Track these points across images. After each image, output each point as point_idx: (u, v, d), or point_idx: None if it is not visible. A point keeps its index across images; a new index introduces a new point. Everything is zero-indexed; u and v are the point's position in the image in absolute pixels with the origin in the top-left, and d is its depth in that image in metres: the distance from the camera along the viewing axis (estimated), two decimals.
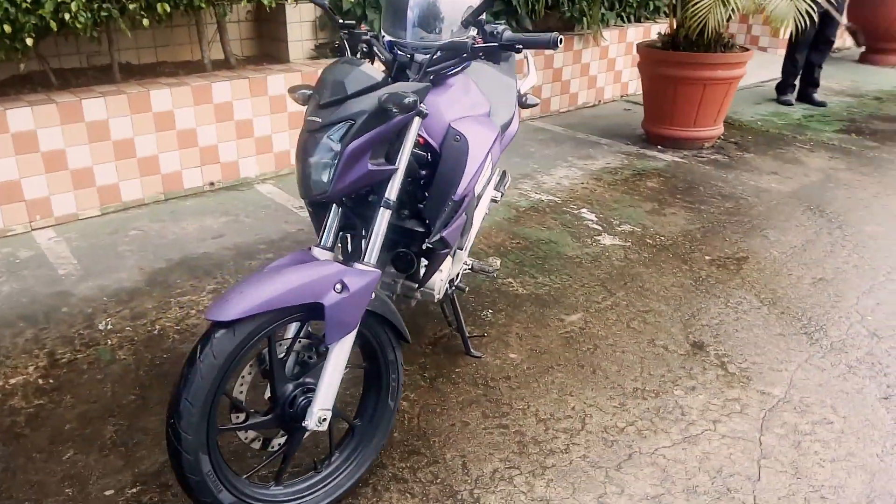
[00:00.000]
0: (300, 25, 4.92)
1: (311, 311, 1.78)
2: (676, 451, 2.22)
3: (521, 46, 1.84)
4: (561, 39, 1.77)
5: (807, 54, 6.17)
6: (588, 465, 2.16)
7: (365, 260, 1.85)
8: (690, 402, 2.45)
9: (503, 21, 5.32)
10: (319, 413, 1.82)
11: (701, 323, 2.93)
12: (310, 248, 1.95)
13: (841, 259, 3.50)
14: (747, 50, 4.87)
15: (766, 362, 2.67)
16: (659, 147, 5.17)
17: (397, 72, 2.05)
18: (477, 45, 1.83)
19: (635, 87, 6.65)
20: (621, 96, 6.60)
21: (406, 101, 1.72)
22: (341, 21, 2.09)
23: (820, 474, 2.12)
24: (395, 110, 1.76)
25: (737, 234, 3.78)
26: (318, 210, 2.08)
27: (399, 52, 2.05)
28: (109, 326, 2.88)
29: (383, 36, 2.07)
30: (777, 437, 2.27)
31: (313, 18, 4.96)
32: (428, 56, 1.95)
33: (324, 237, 1.96)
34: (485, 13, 1.97)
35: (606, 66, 6.33)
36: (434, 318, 2.93)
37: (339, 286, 1.77)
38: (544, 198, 4.25)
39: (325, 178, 1.81)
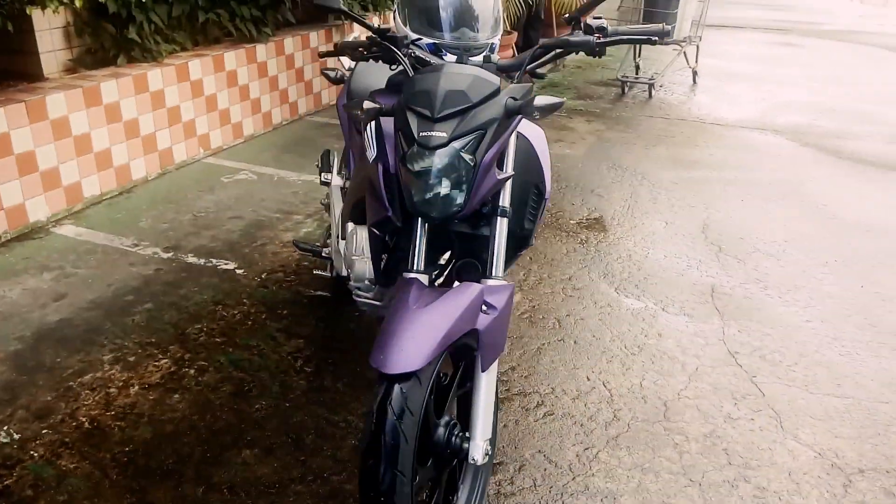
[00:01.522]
0: (51, 33, 4.10)
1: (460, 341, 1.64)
2: (694, 390, 2.48)
3: (652, 38, 1.79)
4: (668, 31, 1.81)
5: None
6: (644, 424, 2.31)
7: (493, 274, 1.74)
8: (669, 346, 2.73)
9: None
10: (484, 446, 1.69)
11: (618, 276, 3.24)
12: (403, 275, 1.77)
13: (669, 203, 4.11)
14: (511, 33, 5.31)
15: (685, 297, 3.07)
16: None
17: None
18: (601, 41, 1.79)
19: None
20: None
21: (550, 103, 1.64)
22: (378, 26, 1.87)
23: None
24: (536, 115, 1.66)
25: (577, 198, 4.18)
26: (379, 235, 1.88)
27: (450, 53, 1.91)
28: (17, 436, 2.22)
29: (417, 38, 1.90)
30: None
31: (65, 24, 4.17)
32: (529, 56, 1.83)
33: (416, 261, 1.78)
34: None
35: None
36: None
37: (484, 307, 1.66)
38: None
39: (459, 194, 1.65)
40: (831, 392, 2.50)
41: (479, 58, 1.86)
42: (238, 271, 3.26)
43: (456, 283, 1.73)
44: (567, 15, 1.81)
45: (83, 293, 3.04)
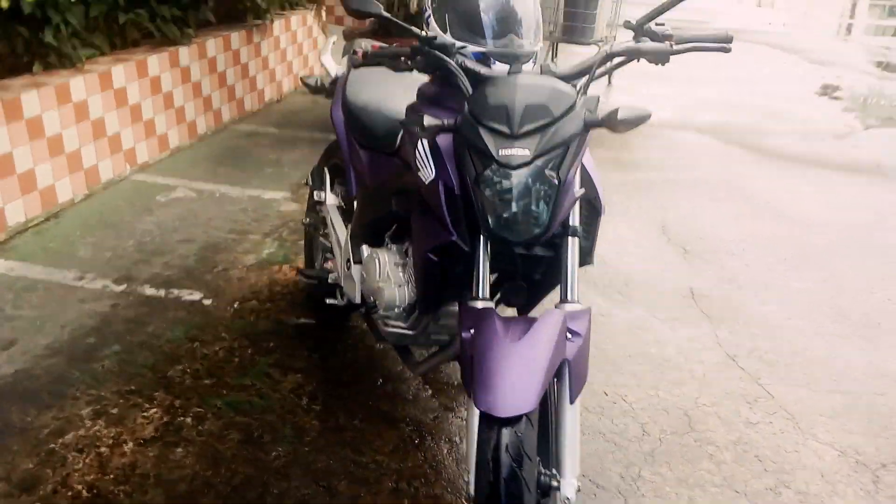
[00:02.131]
0: None
1: None
2: (709, 397, 2.51)
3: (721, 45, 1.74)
4: (732, 37, 1.77)
5: None
6: (674, 437, 2.32)
7: (570, 298, 1.66)
8: (671, 354, 2.76)
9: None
10: (576, 483, 1.61)
11: (600, 283, 3.25)
12: (468, 304, 1.66)
13: (625, 206, 4.17)
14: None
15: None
16: None
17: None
18: (675, 49, 1.72)
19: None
20: (296, 87, 6.42)
21: (636, 116, 1.57)
22: (424, 34, 1.73)
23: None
24: (621, 129, 1.59)
25: None
26: (435, 261, 1.76)
27: (499, 62, 1.80)
28: None
29: (462, 46, 1.78)
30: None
31: None
32: (599, 61, 1.73)
33: (480, 287, 1.68)
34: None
35: (280, 58, 6.08)
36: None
37: (569, 334, 1.58)
38: None
39: (543, 215, 1.56)
40: (832, 388, 2.61)
41: (530, 66, 1.77)
42: (206, 302, 3.02)
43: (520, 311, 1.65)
44: (629, 21, 1.74)
45: (35, 338, 2.71)
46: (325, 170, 2.66)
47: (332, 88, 2.72)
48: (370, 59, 1.80)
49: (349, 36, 5.24)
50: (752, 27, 11.11)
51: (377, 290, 2.10)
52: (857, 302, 3.19)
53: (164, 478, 2.09)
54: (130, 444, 2.21)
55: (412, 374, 2.54)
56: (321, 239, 2.77)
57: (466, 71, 1.69)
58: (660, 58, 1.67)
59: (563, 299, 1.66)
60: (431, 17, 1.85)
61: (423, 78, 2.52)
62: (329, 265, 2.60)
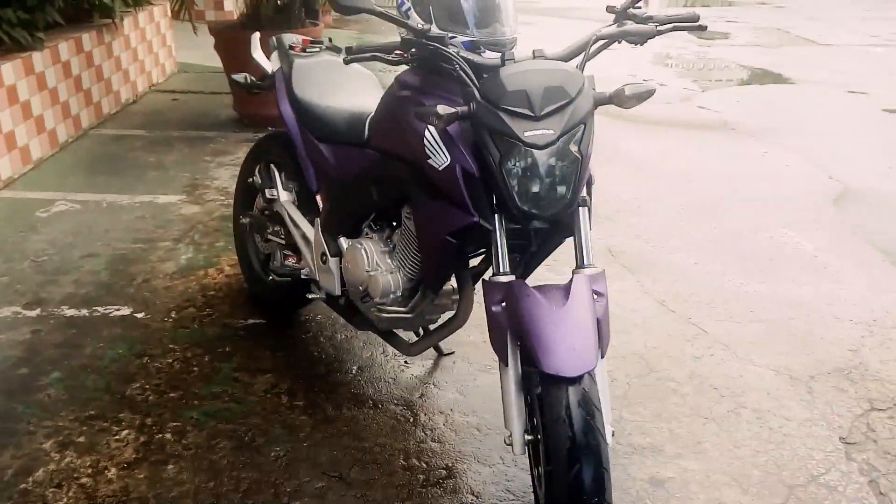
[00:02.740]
0: None
1: None
2: (654, 340, 2.75)
3: (691, 23, 1.86)
4: (698, 16, 1.92)
5: None
6: (639, 380, 2.53)
7: (587, 262, 1.78)
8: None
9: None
10: (610, 428, 1.74)
11: None
12: (490, 279, 1.74)
13: None
14: (316, 24, 5.15)
15: None
16: (270, 127, 5.09)
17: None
18: (660, 29, 1.84)
19: (156, 76, 6.16)
20: (150, 87, 6.04)
21: (641, 91, 1.70)
22: (422, 26, 1.75)
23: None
24: (629, 104, 1.71)
25: None
26: (455, 243, 1.81)
27: (489, 50, 1.86)
28: None
29: (452, 37, 1.82)
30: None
31: None
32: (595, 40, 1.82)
33: (502, 263, 1.76)
34: None
35: (132, 57, 5.69)
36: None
37: (595, 295, 1.71)
38: None
39: (568, 190, 1.66)
40: (751, 318, 2.94)
41: (514, 52, 1.85)
42: (138, 315, 2.84)
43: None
44: (611, 6, 1.87)
45: None
46: (272, 167, 2.59)
47: (266, 84, 2.66)
48: (360, 54, 1.80)
49: (216, 31, 5.03)
50: (574, 5, 11.79)
51: (368, 279, 2.11)
52: (749, 243, 3.59)
53: (165, 497, 1.99)
54: (114, 470, 2.07)
55: (403, 356, 2.57)
56: (271, 238, 2.69)
57: (465, 61, 1.74)
58: (645, 37, 1.82)
59: (582, 265, 1.77)
60: (412, 9, 1.87)
61: (362, 70, 2.55)
62: (290, 262, 2.54)
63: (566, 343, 1.55)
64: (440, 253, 1.86)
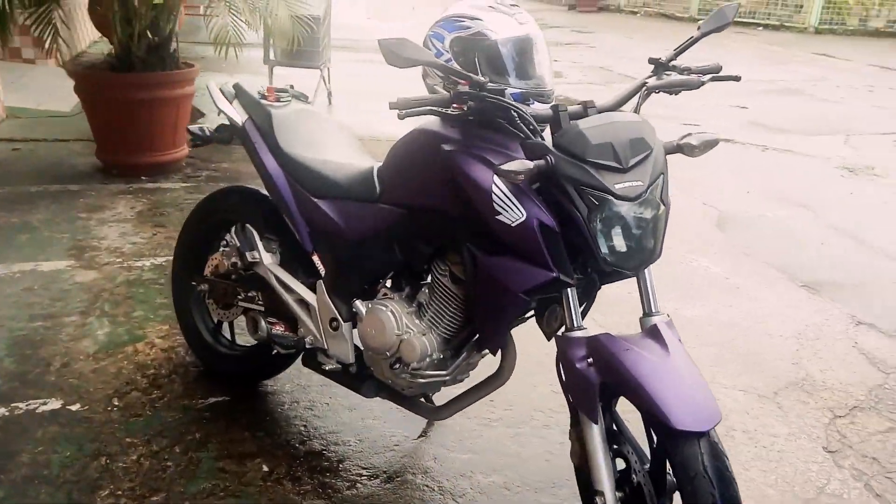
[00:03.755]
0: None
1: None
2: None
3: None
4: (721, 67, 1.97)
5: None
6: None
7: (656, 310, 1.77)
8: None
9: None
10: None
11: None
12: (565, 335, 1.70)
13: None
14: (192, 66, 4.79)
15: None
16: (143, 177, 4.63)
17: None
18: (706, 79, 1.87)
19: None
20: None
21: (707, 140, 1.73)
22: (486, 82, 1.66)
23: None
24: (696, 153, 1.73)
25: None
26: (528, 300, 1.74)
27: (537, 102, 1.81)
28: None
29: (503, 89, 1.76)
30: None
31: None
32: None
33: (576, 317, 1.71)
34: None
35: None
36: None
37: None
38: (131, 273, 3.50)
39: (655, 242, 1.66)
40: (702, 343, 3.10)
41: (548, 106, 1.83)
42: (73, 408, 2.43)
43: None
44: (654, 58, 1.90)
45: None
46: (249, 228, 2.33)
47: (225, 136, 2.42)
48: (413, 109, 1.69)
49: (80, 73, 4.52)
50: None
51: (400, 343, 1.96)
52: (669, 269, 3.80)
53: None
54: None
55: (438, 422, 2.43)
56: (242, 304, 2.41)
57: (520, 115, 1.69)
58: (691, 88, 1.86)
59: (651, 312, 1.76)
60: (453, 61, 1.80)
61: (334, 120, 2.41)
62: (278, 330, 2.29)
63: (688, 396, 1.53)
64: (510, 310, 1.78)
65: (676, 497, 1.65)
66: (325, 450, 2.31)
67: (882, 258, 4.02)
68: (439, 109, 1.71)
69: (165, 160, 4.78)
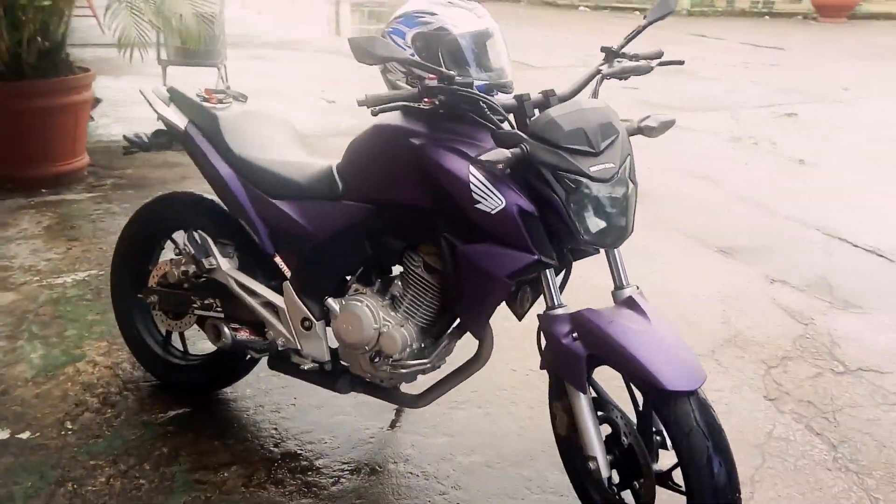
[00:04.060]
0: None
1: None
2: None
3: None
4: (662, 52, 2.06)
5: None
6: None
7: (626, 283, 1.86)
8: None
9: None
10: None
11: None
12: (547, 313, 1.78)
13: None
14: (87, 70, 4.53)
15: None
16: (44, 190, 4.35)
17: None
18: (658, 62, 1.95)
19: None
20: None
21: (664, 122, 1.84)
22: (454, 76, 1.70)
23: None
24: (655, 134, 1.83)
25: None
26: (511, 284, 1.79)
27: (500, 92, 1.85)
28: None
29: (470, 82, 1.79)
30: None
31: None
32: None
33: (555, 296, 1.80)
34: None
35: None
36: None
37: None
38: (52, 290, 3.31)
39: (628, 220, 1.74)
40: None
41: (510, 96, 1.88)
42: (24, 436, 2.30)
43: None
44: (606, 47, 1.98)
45: None
46: (201, 234, 2.25)
47: (162, 142, 2.34)
48: (385, 105, 1.71)
49: None
50: (298, 38, 11.81)
51: (380, 337, 1.98)
52: None
53: None
54: None
55: (408, 409, 2.43)
56: (199, 312, 2.33)
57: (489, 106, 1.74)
58: (641, 73, 1.96)
59: (623, 284, 1.84)
60: (416, 55, 1.82)
61: (279, 119, 2.38)
62: (243, 335, 2.23)
63: (676, 359, 1.63)
64: (494, 295, 1.82)
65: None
66: (300, 450, 2.29)
67: (782, 220, 4.35)
68: (411, 104, 1.74)
69: (66, 170, 4.54)
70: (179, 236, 2.47)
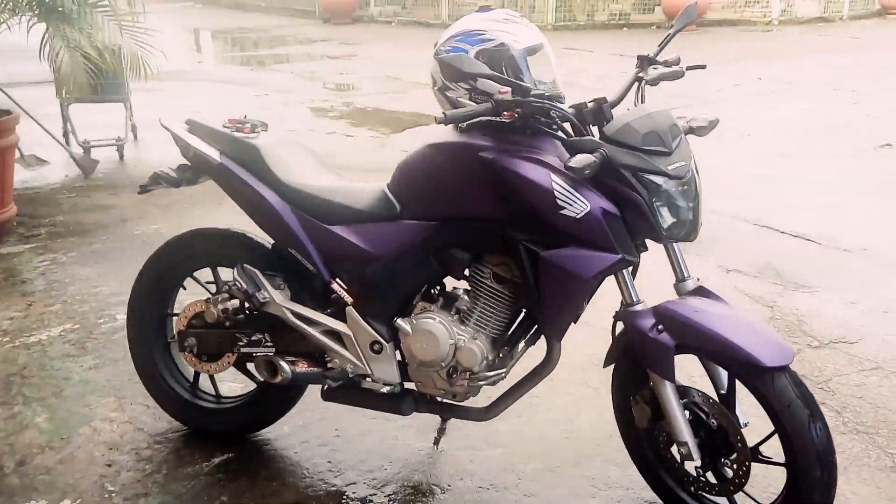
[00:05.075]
0: None
1: None
2: None
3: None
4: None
5: None
6: None
7: (688, 274, 2.00)
8: None
9: None
10: None
11: None
12: (630, 310, 1.91)
13: None
14: (9, 112, 4.21)
15: None
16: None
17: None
18: (686, 68, 2.09)
19: None
20: None
21: (711, 120, 1.99)
22: (530, 89, 1.78)
23: None
24: (703, 133, 1.98)
25: None
26: (596, 283, 1.90)
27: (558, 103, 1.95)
28: None
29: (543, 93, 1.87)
30: None
31: None
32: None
33: (633, 293, 1.95)
34: None
35: None
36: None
37: None
38: None
39: (699, 212, 1.89)
40: None
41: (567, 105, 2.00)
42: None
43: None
44: (642, 55, 2.12)
45: None
46: (248, 267, 2.19)
47: (190, 176, 2.28)
48: (465, 120, 1.79)
49: None
50: (187, 69, 11.41)
51: (457, 352, 2.02)
52: None
53: None
54: None
55: (450, 425, 2.47)
56: (246, 350, 2.26)
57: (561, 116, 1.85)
58: (676, 78, 2.12)
59: (685, 277, 2.00)
60: (465, 68, 1.86)
61: (303, 145, 2.38)
62: (301, 368, 2.18)
63: (765, 338, 1.80)
64: (580, 295, 1.92)
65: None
66: (363, 480, 2.28)
67: (717, 215, 4.71)
68: (494, 119, 1.82)
69: None
70: (201, 275, 2.41)
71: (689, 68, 2.18)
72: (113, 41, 3.92)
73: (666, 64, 2.12)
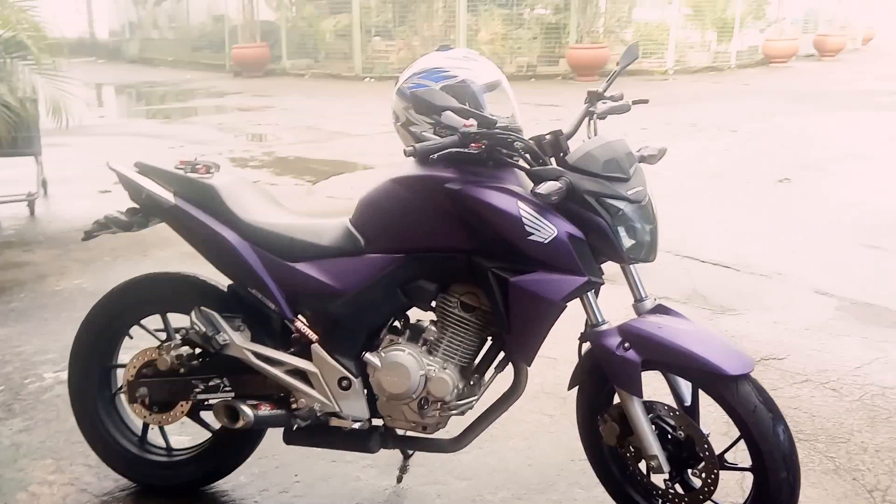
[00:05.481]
0: None
1: None
2: None
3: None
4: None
5: None
6: None
7: (646, 294, 2.08)
8: None
9: None
10: None
11: None
12: (595, 329, 1.97)
13: None
14: None
15: None
16: None
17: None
18: (629, 105, 2.19)
19: None
20: None
21: (660, 149, 2.09)
22: (496, 121, 1.84)
23: None
24: (653, 162, 2.07)
25: None
26: (564, 306, 1.94)
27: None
28: None
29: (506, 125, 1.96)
30: None
31: None
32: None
33: (598, 313, 2.01)
34: None
35: None
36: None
37: None
38: None
39: (657, 235, 1.97)
40: None
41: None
42: None
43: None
44: (592, 90, 2.22)
45: None
46: (205, 310, 2.12)
47: (141, 220, 2.21)
48: (438, 152, 1.83)
49: None
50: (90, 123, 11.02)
51: (428, 383, 2.02)
52: None
53: None
54: None
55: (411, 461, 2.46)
56: (202, 396, 2.17)
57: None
58: (623, 112, 2.23)
59: (643, 297, 2.07)
60: (429, 102, 1.91)
61: (257, 184, 2.37)
62: (264, 410, 2.11)
63: (727, 350, 1.89)
64: (549, 319, 1.95)
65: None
66: None
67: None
68: (463, 151, 1.87)
69: None
70: (149, 322, 2.33)
71: (634, 102, 2.31)
72: (34, 90, 3.76)
73: (613, 99, 2.25)
